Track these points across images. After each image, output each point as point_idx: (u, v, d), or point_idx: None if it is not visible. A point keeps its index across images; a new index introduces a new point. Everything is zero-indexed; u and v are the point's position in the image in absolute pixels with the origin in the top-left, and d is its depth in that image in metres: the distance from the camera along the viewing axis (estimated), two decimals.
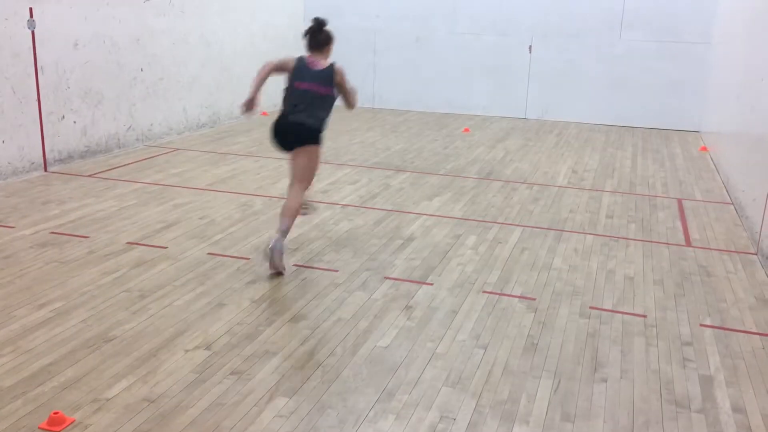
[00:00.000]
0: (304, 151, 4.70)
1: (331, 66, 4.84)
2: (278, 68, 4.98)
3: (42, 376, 3.21)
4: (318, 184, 6.74)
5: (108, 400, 3.04)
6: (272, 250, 4.38)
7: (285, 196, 5.10)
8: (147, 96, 8.35)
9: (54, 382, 3.17)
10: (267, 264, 4.46)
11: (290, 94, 4.89)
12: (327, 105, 4.79)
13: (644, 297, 4.30)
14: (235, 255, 4.81)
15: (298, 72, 4.88)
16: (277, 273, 4.47)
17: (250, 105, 4.97)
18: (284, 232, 4.46)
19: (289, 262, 4.68)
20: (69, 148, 7.23)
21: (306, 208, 5.24)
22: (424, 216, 5.83)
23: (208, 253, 4.82)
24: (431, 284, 4.40)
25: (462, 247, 5.09)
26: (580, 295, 4.29)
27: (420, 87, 11.89)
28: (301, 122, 4.68)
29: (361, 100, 12.23)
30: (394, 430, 2.88)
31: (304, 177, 4.73)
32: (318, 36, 5.01)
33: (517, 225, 5.67)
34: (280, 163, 7.66)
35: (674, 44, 10.55)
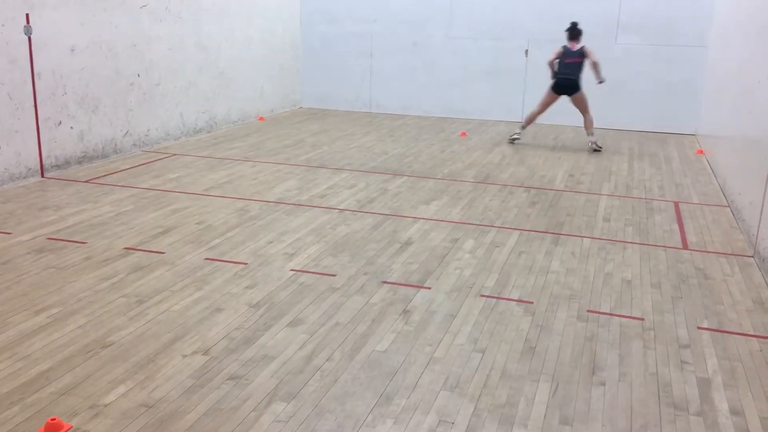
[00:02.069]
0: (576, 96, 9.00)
1: (583, 47, 8.89)
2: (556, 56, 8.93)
3: (39, 382, 3.20)
4: (315, 189, 6.74)
5: (106, 405, 3.03)
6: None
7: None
8: (144, 101, 8.36)
9: (51, 388, 3.16)
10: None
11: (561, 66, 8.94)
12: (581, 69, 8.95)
13: (642, 300, 4.31)
14: (233, 260, 4.81)
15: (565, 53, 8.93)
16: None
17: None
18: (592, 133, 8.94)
19: (286, 267, 4.68)
20: (66, 154, 7.23)
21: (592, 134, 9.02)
22: (422, 220, 5.84)
23: (206, 258, 4.82)
24: (429, 288, 4.40)
25: (459, 251, 5.09)
26: (578, 299, 4.29)
27: (417, 91, 11.91)
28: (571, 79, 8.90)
29: (358, 105, 12.27)
30: None
31: (585, 109, 9.07)
32: (573, 31, 9.00)
33: (515, 228, 5.67)
34: (277, 167, 7.67)
35: (670, 48, 10.58)
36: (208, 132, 9.77)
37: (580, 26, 9.00)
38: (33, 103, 6.74)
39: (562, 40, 11.03)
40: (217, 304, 4.08)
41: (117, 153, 7.99)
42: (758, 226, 5.15)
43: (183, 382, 3.23)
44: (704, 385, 3.33)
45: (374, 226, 5.63)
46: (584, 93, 8.99)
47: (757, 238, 5.15)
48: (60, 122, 7.11)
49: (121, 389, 3.16)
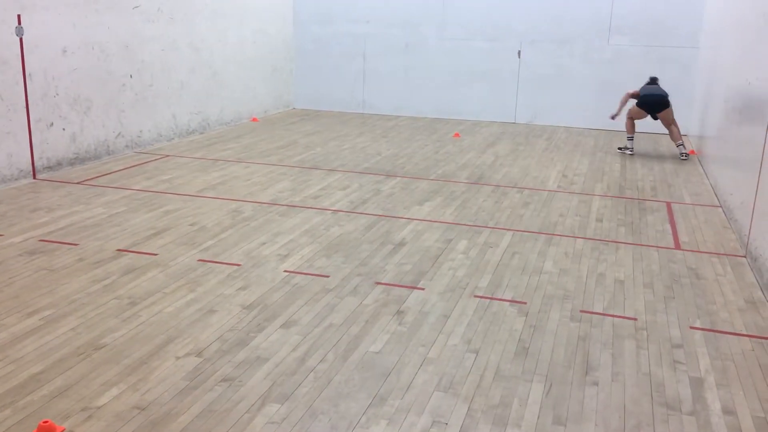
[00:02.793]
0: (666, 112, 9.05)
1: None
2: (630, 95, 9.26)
3: (31, 385, 3.19)
4: (308, 190, 6.74)
5: (98, 408, 3.02)
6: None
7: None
8: (136, 102, 8.33)
9: (43, 390, 3.14)
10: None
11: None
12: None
13: (634, 300, 4.32)
14: (226, 261, 4.80)
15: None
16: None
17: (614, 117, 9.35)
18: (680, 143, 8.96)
19: (280, 268, 4.68)
20: (58, 156, 7.20)
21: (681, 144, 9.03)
22: (415, 221, 5.84)
23: (199, 260, 4.81)
24: (422, 289, 4.40)
25: (453, 252, 5.10)
26: (571, 299, 4.30)
27: (410, 92, 11.92)
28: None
29: (352, 106, 12.27)
30: None
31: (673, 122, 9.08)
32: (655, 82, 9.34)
33: (508, 229, 5.68)
34: (270, 169, 7.66)
35: (662, 49, 10.62)
36: (201, 133, 9.75)
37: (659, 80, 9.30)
38: (25, 105, 6.71)
39: (555, 42, 11.09)
40: (211, 306, 4.07)
41: (109, 154, 7.96)
42: (750, 226, 5.18)
43: (176, 384, 3.22)
44: (697, 384, 3.34)
45: (367, 227, 5.63)
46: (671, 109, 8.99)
47: (748, 238, 5.18)
48: (52, 123, 7.08)
49: (114, 391, 3.15)
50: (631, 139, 9.15)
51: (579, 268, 4.83)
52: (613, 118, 9.27)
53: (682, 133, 10.60)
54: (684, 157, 8.90)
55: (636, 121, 9.20)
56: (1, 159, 6.53)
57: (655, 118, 9.11)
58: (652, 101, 8.92)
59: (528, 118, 11.43)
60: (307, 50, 12.22)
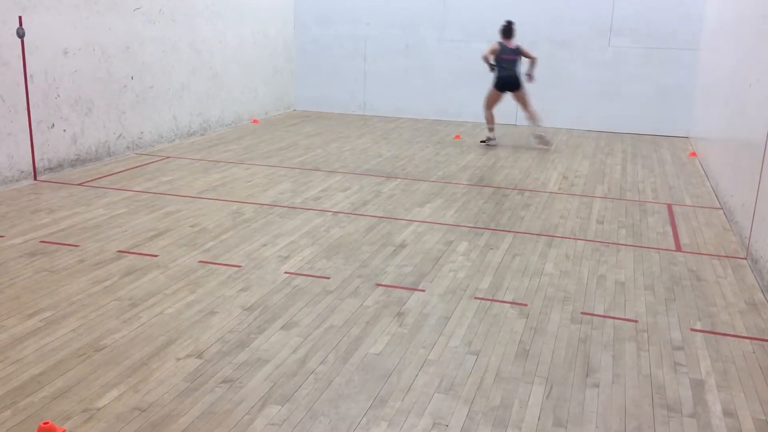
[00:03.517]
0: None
1: (518, 46, 9.23)
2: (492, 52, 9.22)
3: (32, 386, 3.19)
4: (309, 191, 6.74)
5: (99, 409, 3.02)
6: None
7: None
8: (137, 104, 8.34)
9: (44, 392, 3.14)
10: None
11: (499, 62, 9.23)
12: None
13: (635, 302, 4.32)
14: (227, 263, 4.80)
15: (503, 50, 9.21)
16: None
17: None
18: (535, 120, 9.32)
19: (280, 270, 4.68)
20: (59, 157, 7.21)
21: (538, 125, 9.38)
22: (416, 222, 5.84)
23: (199, 261, 4.81)
24: (423, 291, 4.40)
25: (453, 254, 5.09)
26: (572, 301, 4.30)
27: (410, 94, 11.92)
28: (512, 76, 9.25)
29: (352, 107, 12.27)
30: None
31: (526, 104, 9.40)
32: (507, 30, 9.26)
33: (509, 231, 5.68)
34: (271, 170, 7.66)
35: (663, 50, 10.62)
36: (202, 134, 9.75)
37: (515, 26, 9.35)
38: (26, 106, 6.72)
39: (555, 43, 11.09)
40: (211, 307, 4.07)
41: (110, 156, 7.96)
42: (751, 228, 5.17)
43: (176, 385, 3.22)
44: (697, 386, 3.34)
45: (368, 229, 5.63)
46: (525, 90, 9.37)
47: (749, 240, 5.17)
48: (53, 125, 7.09)
49: (114, 393, 3.15)
50: (492, 129, 9.55)
51: (580, 270, 4.83)
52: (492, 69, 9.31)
53: (686, 135, 10.63)
54: (542, 139, 9.31)
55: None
56: (1, 160, 6.53)
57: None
58: (506, 80, 9.25)
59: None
60: (307, 52, 12.22)
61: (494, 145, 9.48)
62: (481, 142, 9.66)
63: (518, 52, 9.22)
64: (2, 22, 6.40)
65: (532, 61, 9.24)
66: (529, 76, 9.32)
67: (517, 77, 9.24)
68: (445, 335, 3.79)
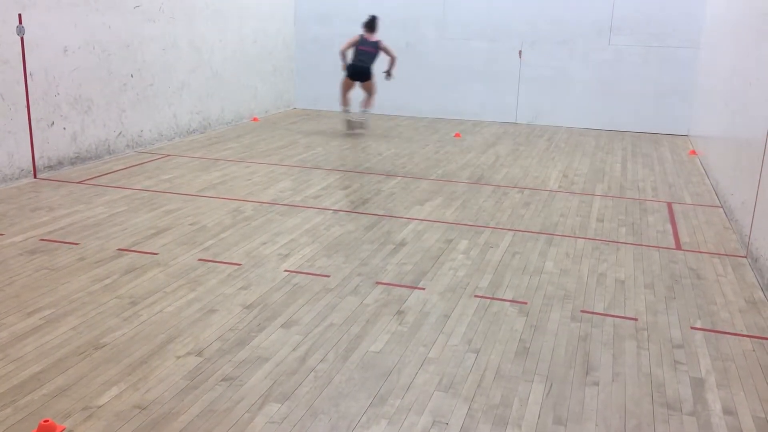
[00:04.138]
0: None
1: (378, 40, 9.53)
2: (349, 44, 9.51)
3: (32, 384, 3.19)
4: (309, 189, 6.74)
5: (99, 407, 3.02)
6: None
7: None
8: (137, 102, 8.33)
9: (44, 390, 3.15)
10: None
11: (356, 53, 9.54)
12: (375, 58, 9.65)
13: (635, 300, 4.32)
14: (227, 261, 4.80)
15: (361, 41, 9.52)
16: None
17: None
18: (366, 108, 9.87)
19: (280, 268, 4.68)
20: (59, 155, 7.20)
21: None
22: (416, 221, 5.84)
23: (199, 259, 4.81)
24: (423, 289, 4.40)
25: (453, 252, 5.09)
26: (572, 299, 4.30)
27: (411, 92, 11.91)
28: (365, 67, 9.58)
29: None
30: None
31: (371, 93, 9.84)
32: (371, 24, 9.63)
33: (509, 229, 5.68)
34: (271, 168, 7.66)
35: (663, 49, 10.62)
36: (202, 133, 9.75)
37: (378, 21, 9.76)
38: (25, 104, 6.72)
39: (555, 42, 11.09)
40: (211, 305, 4.07)
41: (110, 154, 7.96)
42: (751, 227, 5.17)
43: (176, 383, 3.22)
44: (697, 385, 3.34)
45: (368, 227, 5.63)
46: (374, 82, 9.80)
47: (749, 239, 5.17)
48: (53, 123, 7.08)
49: (114, 391, 3.15)
50: (347, 111, 9.91)
51: (580, 269, 4.83)
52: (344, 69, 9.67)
53: (686, 133, 10.63)
54: (356, 123, 9.81)
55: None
56: (1, 158, 6.53)
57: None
58: (357, 70, 9.58)
59: (529, 118, 11.43)
60: (307, 50, 12.21)
61: (358, 126, 9.95)
62: (348, 130, 10.02)
63: (377, 47, 9.57)
64: (2, 20, 6.40)
65: (392, 59, 9.60)
66: (388, 74, 9.77)
67: (368, 69, 9.60)
68: (445, 333, 3.79)
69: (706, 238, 5.61)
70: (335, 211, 6.07)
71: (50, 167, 7.11)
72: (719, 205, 6.63)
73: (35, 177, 6.91)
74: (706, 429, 2.99)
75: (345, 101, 9.90)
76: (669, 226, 5.90)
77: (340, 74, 12.12)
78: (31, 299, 4.10)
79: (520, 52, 11.24)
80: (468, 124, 11.26)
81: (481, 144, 9.50)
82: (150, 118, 8.62)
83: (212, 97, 9.95)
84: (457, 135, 10.12)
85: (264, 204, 6.23)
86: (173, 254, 4.90)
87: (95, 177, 7.03)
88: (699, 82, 10.00)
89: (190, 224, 5.58)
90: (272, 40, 11.48)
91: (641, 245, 5.38)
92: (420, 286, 4.45)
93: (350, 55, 9.64)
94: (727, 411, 3.13)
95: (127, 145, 8.25)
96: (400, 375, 3.34)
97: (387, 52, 9.58)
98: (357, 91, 10.02)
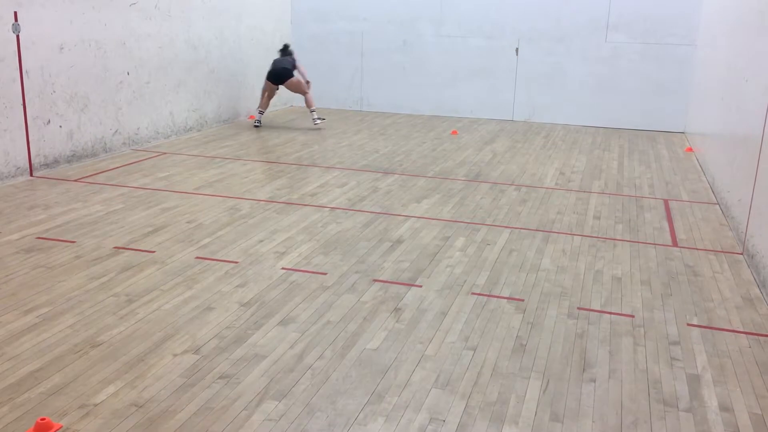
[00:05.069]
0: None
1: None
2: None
3: (29, 382, 3.18)
4: (306, 187, 6.74)
5: (95, 405, 3.02)
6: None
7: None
8: (133, 100, 8.32)
9: (41, 388, 3.14)
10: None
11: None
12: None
13: (632, 297, 4.32)
14: (224, 258, 4.79)
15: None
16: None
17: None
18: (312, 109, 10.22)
19: (277, 266, 4.68)
20: (55, 153, 7.19)
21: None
22: (413, 218, 5.84)
23: (196, 257, 4.81)
24: (420, 286, 4.40)
25: (450, 249, 5.10)
26: (568, 296, 4.31)
27: (407, 90, 11.91)
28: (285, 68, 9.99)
29: (349, 103, 12.26)
30: None
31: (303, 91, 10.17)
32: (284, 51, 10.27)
33: (506, 227, 5.68)
34: (268, 166, 7.66)
35: (659, 46, 10.63)
36: (199, 131, 9.74)
37: (291, 48, 10.47)
38: (21, 102, 6.70)
39: (552, 39, 11.09)
40: (208, 303, 4.07)
41: (106, 152, 7.95)
42: (747, 223, 5.18)
43: (173, 381, 3.22)
44: (694, 381, 3.35)
45: (365, 225, 5.63)
46: (299, 80, 10.03)
47: (745, 235, 5.18)
48: (49, 121, 7.07)
49: (111, 389, 3.14)
50: (261, 113, 10.24)
51: (576, 266, 4.84)
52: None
53: (683, 130, 10.64)
54: (317, 123, 10.09)
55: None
56: None
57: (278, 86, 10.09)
58: (276, 73, 9.95)
59: (525, 115, 11.43)
60: (304, 48, 12.19)
61: (258, 126, 10.23)
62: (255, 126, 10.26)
63: (292, 63, 10.07)
64: None
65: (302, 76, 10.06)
66: (307, 83, 10.11)
67: (288, 69, 9.92)
68: (442, 331, 3.79)
69: (703, 235, 5.62)
70: (332, 208, 6.07)
71: (46, 165, 7.10)
72: (716, 202, 6.64)
73: (31, 175, 6.90)
74: (702, 425, 3.00)
75: (262, 104, 10.22)
76: (665, 223, 5.91)
77: (338, 71, 12.16)
78: (27, 297, 4.09)
79: (516, 50, 11.23)
80: (465, 121, 11.26)
81: (478, 141, 9.50)
82: (146, 115, 8.60)
83: (209, 94, 9.93)
84: (454, 132, 10.12)
85: (261, 202, 6.22)
86: (170, 252, 4.89)
87: (91, 175, 7.02)
88: (695, 79, 10.01)
89: (187, 222, 5.57)
90: (269, 38, 11.46)
91: (638, 242, 5.39)
92: (417, 283, 4.45)
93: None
94: (724, 407, 3.14)
95: (124, 143, 8.23)
96: (397, 372, 3.35)
97: (302, 73, 10.03)
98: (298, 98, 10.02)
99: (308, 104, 10.17)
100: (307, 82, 10.03)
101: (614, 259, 4.99)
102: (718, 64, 7.76)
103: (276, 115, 11.36)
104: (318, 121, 10.11)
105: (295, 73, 9.97)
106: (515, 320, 3.95)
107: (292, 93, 10.57)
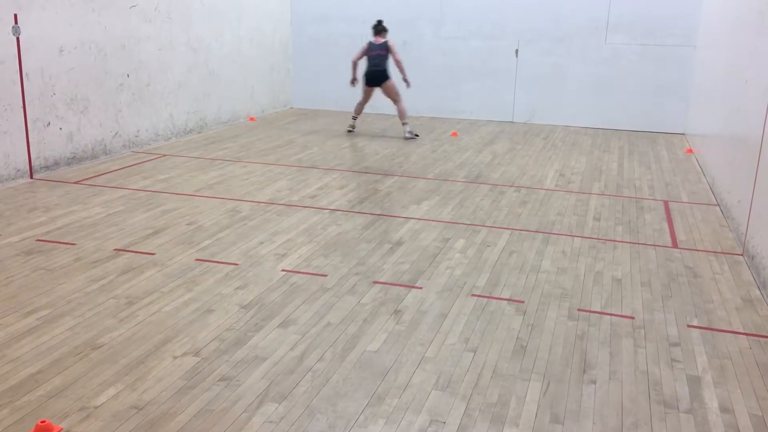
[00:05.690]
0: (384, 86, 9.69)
1: (386, 41, 9.62)
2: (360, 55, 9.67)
3: (29, 385, 3.18)
4: (306, 189, 6.74)
5: (96, 407, 3.02)
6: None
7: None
8: (133, 102, 8.32)
9: (41, 390, 3.14)
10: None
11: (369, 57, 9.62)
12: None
13: (632, 299, 4.32)
14: (224, 261, 4.79)
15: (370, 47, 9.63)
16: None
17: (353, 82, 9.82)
18: (406, 122, 9.74)
19: (277, 268, 4.68)
20: (55, 155, 7.19)
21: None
22: (413, 220, 5.84)
23: (196, 259, 4.81)
24: (420, 288, 4.40)
25: (450, 251, 5.10)
26: (569, 298, 4.31)
27: (407, 91, 11.88)
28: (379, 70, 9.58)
29: (349, 105, 12.24)
30: None
31: (396, 98, 9.76)
32: (378, 27, 9.73)
33: (506, 228, 5.68)
34: (269, 168, 7.66)
35: (659, 47, 10.63)
36: (199, 133, 9.74)
37: (385, 23, 9.84)
38: (21, 104, 6.70)
39: (552, 40, 11.10)
40: (208, 305, 4.07)
41: (107, 154, 7.95)
42: (747, 225, 5.18)
43: (173, 383, 3.22)
44: (694, 382, 3.35)
45: (365, 226, 5.63)
46: (393, 82, 9.67)
47: (746, 237, 5.18)
48: (49, 123, 7.07)
49: (111, 391, 3.14)
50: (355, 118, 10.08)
51: (577, 267, 4.84)
52: (352, 83, 9.85)
53: (683, 132, 10.64)
54: (411, 137, 9.63)
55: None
56: None
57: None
58: (372, 75, 9.62)
59: (525, 116, 11.43)
60: (304, 49, 12.21)
61: (351, 131, 10.07)
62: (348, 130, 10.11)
63: (386, 48, 9.57)
64: None
65: (397, 63, 9.52)
66: (406, 82, 9.62)
67: (384, 72, 9.58)
68: (442, 332, 3.79)
69: (703, 236, 5.62)
70: (332, 210, 6.07)
71: (46, 167, 7.10)
72: (716, 203, 6.64)
73: (32, 177, 6.90)
74: (702, 427, 3.00)
75: (358, 110, 9.98)
76: (665, 225, 5.91)
77: (338, 73, 12.15)
78: (27, 300, 4.09)
79: (516, 51, 11.24)
80: (465, 122, 11.26)
81: (478, 143, 9.50)
82: (146, 118, 8.61)
83: (209, 96, 9.94)
84: (454, 134, 10.12)
85: (261, 204, 6.22)
86: (170, 254, 4.89)
87: (92, 177, 7.03)
88: (695, 80, 10.02)
89: (187, 224, 5.58)
90: (269, 40, 11.47)
91: (638, 243, 5.39)
92: (417, 285, 4.45)
93: (363, 65, 9.67)
94: (724, 409, 3.14)
95: (124, 145, 8.24)
96: (397, 374, 3.35)
97: (393, 53, 9.53)
98: (387, 105, 10.01)
99: (399, 115, 9.77)
100: (398, 62, 9.50)
101: (614, 261, 4.99)
102: (718, 65, 7.76)
103: (276, 117, 11.36)
104: (408, 135, 9.62)
105: (390, 73, 9.55)
106: (515, 322, 3.95)
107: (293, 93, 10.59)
